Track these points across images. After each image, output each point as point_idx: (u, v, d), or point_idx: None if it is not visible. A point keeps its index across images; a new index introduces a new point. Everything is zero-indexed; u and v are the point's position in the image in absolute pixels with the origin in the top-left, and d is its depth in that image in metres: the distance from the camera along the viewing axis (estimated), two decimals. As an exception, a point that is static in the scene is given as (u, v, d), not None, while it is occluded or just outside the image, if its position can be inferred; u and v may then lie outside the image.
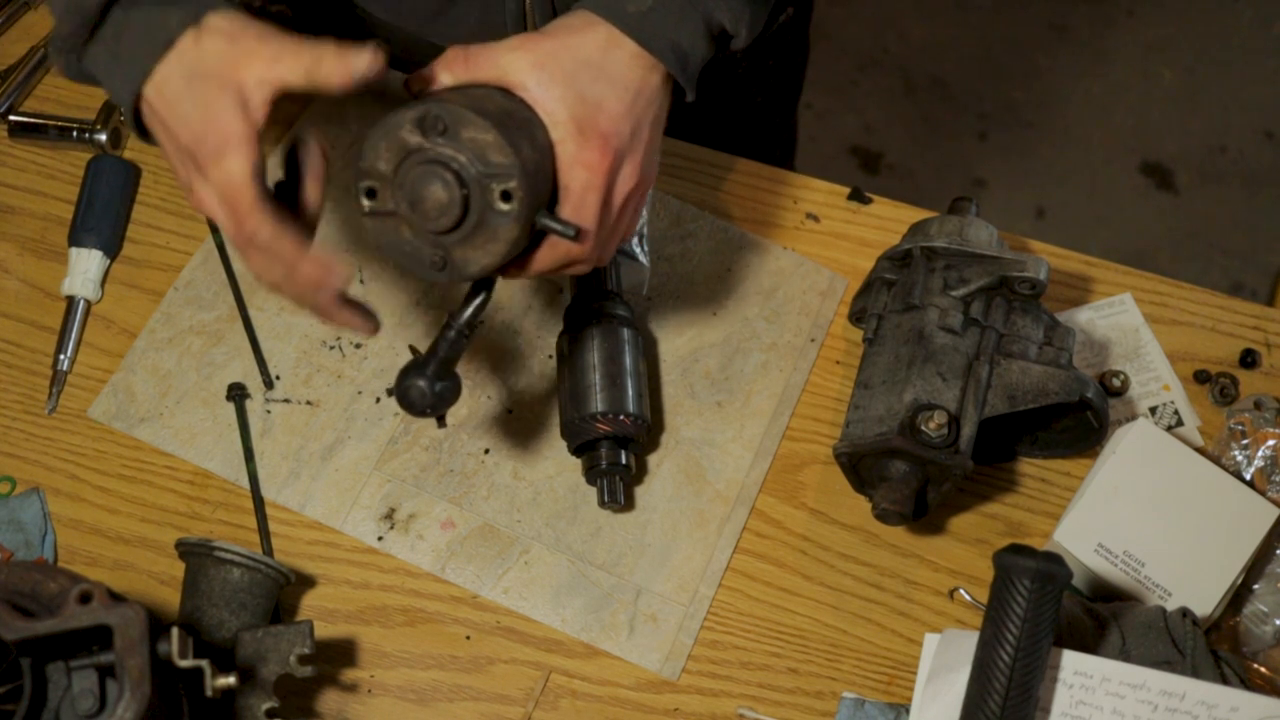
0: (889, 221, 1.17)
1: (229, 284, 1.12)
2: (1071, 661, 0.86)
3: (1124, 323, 1.12)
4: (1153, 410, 1.09)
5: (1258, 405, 1.07)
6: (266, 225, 0.76)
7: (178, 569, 0.97)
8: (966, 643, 0.86)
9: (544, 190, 0.80)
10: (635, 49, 0.82)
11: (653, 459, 1.06)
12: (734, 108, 1.30)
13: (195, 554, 0.92)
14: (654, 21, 0.82)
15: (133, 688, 0.71)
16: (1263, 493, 1.02)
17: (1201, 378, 1.10)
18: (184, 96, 0.76)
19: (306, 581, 1.01)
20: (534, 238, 0.81)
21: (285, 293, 0.80)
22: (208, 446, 1.05)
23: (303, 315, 1.11)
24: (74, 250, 1.11)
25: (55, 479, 1.04)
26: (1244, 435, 1.06)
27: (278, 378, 1.08)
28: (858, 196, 1.18)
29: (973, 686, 0.83)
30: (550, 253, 0.82)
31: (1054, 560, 0.81)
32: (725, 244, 1.15)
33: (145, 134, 0.81)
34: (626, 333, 1.04)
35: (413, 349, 0.90)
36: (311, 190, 0.81)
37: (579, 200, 0.80)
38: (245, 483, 1.04)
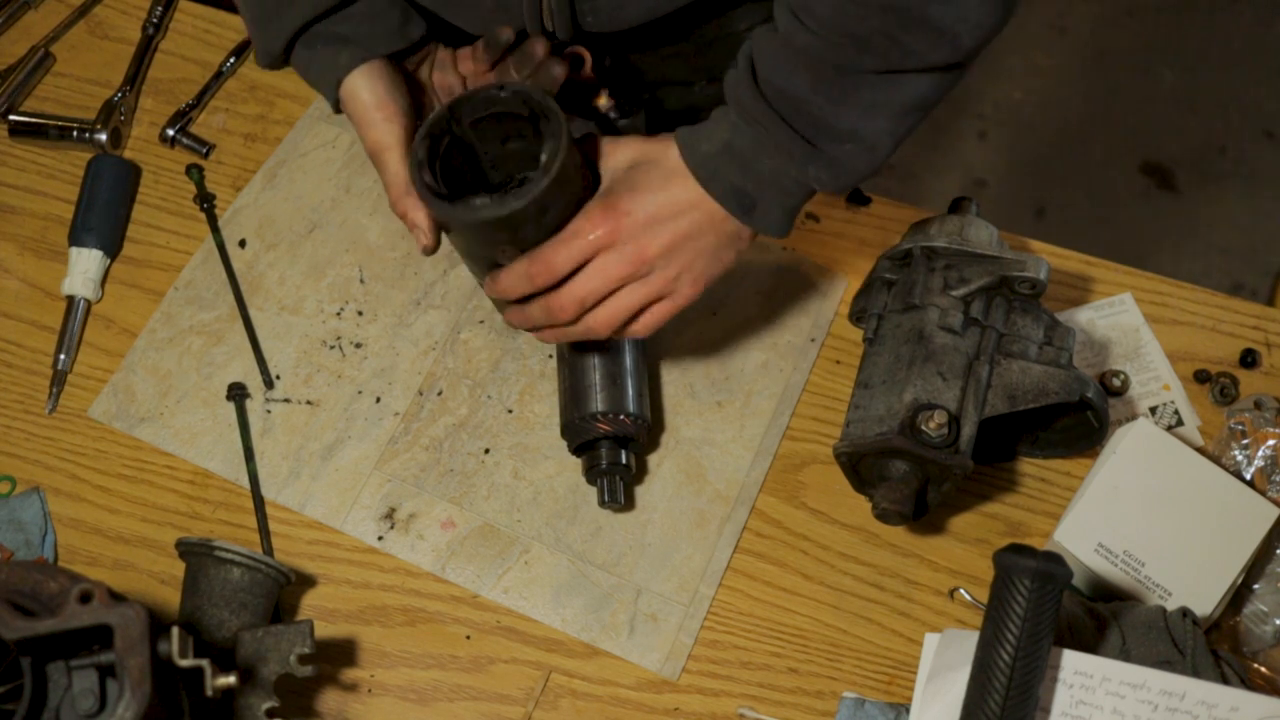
0: (889, 221, 1.17)
1: (229, 284, 1.12)
2: (1071, 661, 0.86)
3: (1124, 323, 1.12)
4: (1153, 410, 1.09)
5: (1258, 405, 1.07)
6: (411, 207, 0.90)
7: (178, 569, 0.97)
8: (967, 642, 0.86)
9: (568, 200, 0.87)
10: (696, 182, 0.87)
11: (653, 459, 1.06)
12: None
13: (195, 553, 0.92)
14: (718, 164, 0.87)
15: (133, 687, 0.71)
16: (1263, 493, 1.02)
17: (1201, 378, 1.10)
18: (349, 104, 0.94)
19: (306, 581, 1.01)
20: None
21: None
22: (208, 446, 1.05)
23: (303, 315, 1.11)
24: (74, 250, 1.11)
25: (55, 479, 1.04)
26: (1244, 435, 1.06)
27: (278, 377, 1.08)
28: (858, 196, 1.18)
29: (973, 686, 0.83)
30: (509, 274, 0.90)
31: (1054, 560, 0.81)
32: (725, 244, 1.15)
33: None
34: (627, 332, 1.04)
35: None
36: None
37: (562, 236, 0.87)
38: (245, 482, 1.04)
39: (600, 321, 0.90)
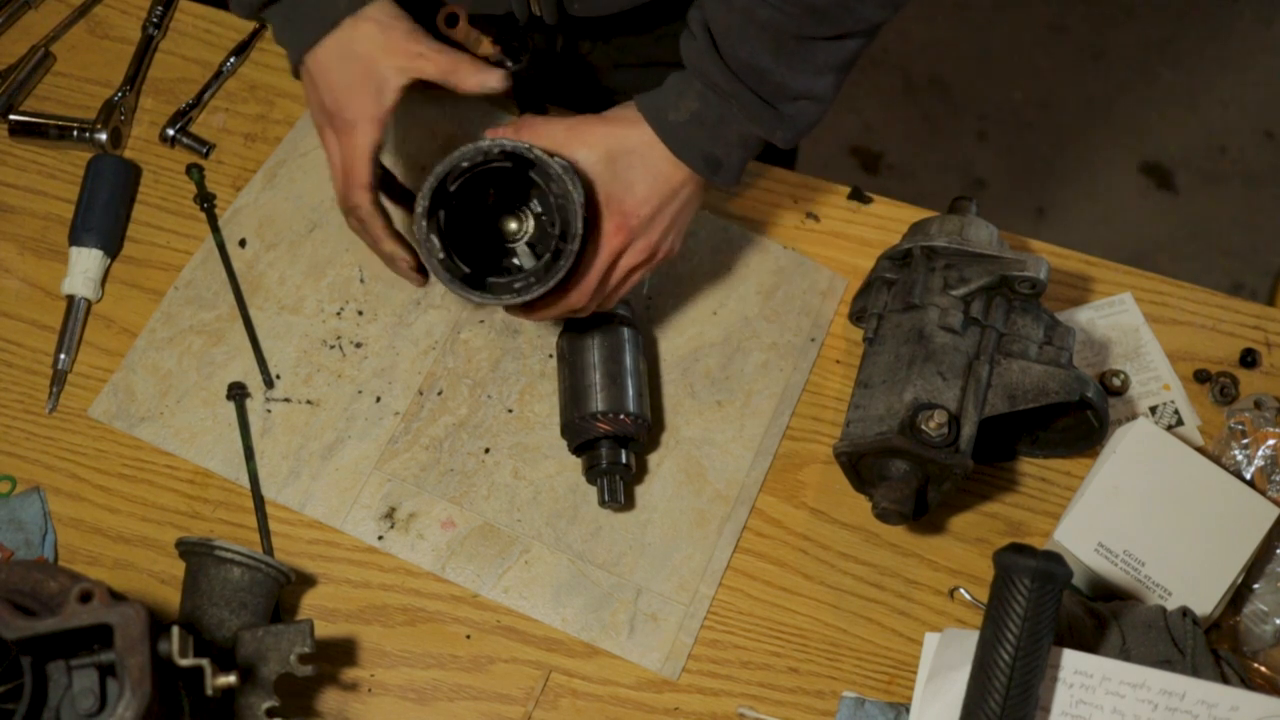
0: (889, 221, 1.17)
1: (229, 283, 1.12)
2: (1071, 660, 0.86)
3: (1124, 322, 1.12)
4: (1153, 410, 1.09)
5: (1258, 405, 1.07)
6: (366, 202, 0.92)
7: (178, 568, 0.97)
8: (967, 642, 0.86)
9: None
10: (669, 152, 0.93)
11: (653, 458, 1.06)
12: None
13: (195, 553, 0.92)
14: (688, 132, 0.93)
15: (133, 687, 0.71)
16: (1263, 492, 1.02)
17: (1201, 377, 1.10)
18: (335, 69, 0.91)
19: (306, 581, 1.01)
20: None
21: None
22: (208, 446, 1.05)
23: (303, 315, 1.11)
24: (74, 249, 1.11)
25: (56, 478, 1.04)
26: (1244, 435, 1.06)
27: (278, 377, 1.08)
28: (858, 196, 1.18)
29: (973, 686, 0.83)
30: (553, 304, 0.95)
31: (1054, 560, 0.81)
32: (725, 244, 1.15)
33: (298, 78, 0.96)
34: (626, 332, 1.04)
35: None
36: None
37: (587, 262, 0.93)
38: (245, 482, 1.04)
39: (610, 303, 0.98)
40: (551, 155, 0.89)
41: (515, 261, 0.96)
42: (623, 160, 0.93)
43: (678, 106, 0.93)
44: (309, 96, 0.96)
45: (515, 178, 0.91)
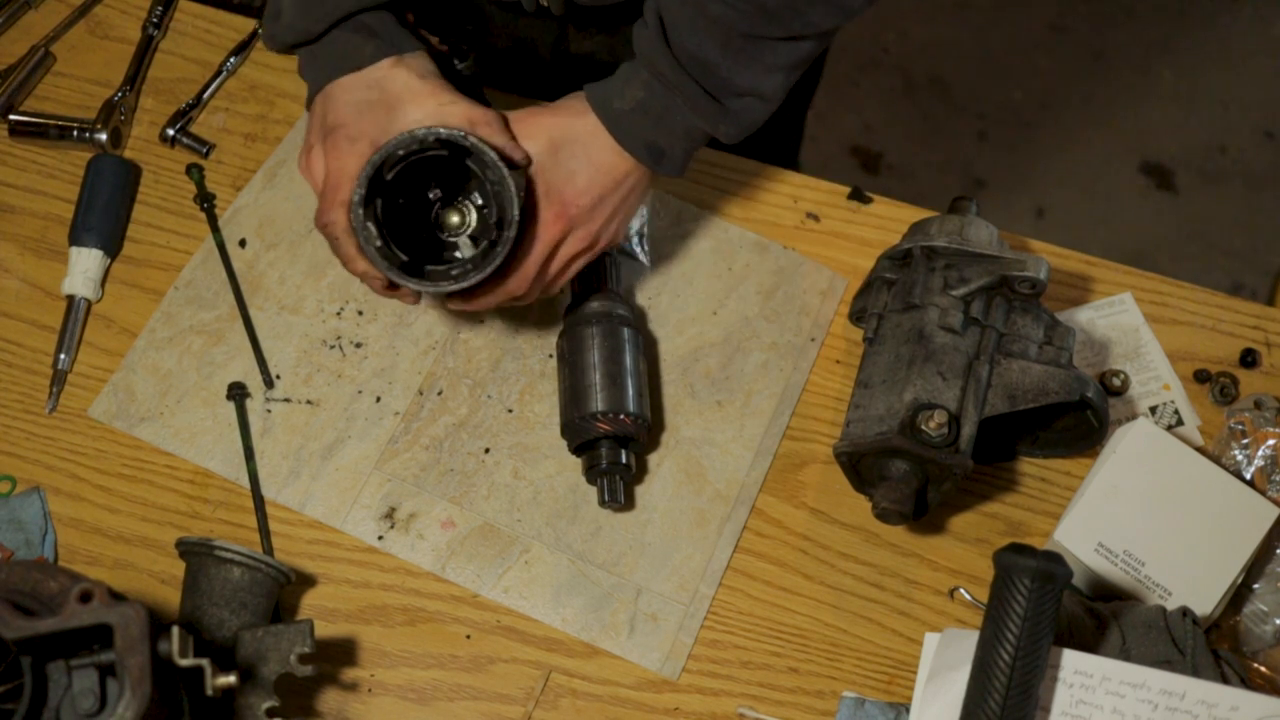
0: (889, 221, 1.17)
1: (229, 283, 1.12)
2: (1071, 660, 0.86)
3: (1124, 322, 1.12)
4: (1153, 410, 1.09)
5: (1258, 405, 1.07)
6: (343, 219, 0.91)
7: (178, 568, 0.97)
8: (966, 642, 0.86)
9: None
10: (613, 141, 0.94)
11: (653, 458, 1.06)
12: None
13: (195, 553, 0.92)
14: (632, 121, 0.94)
15: (133, 687, 0.71)
16: (1263, 492, 1.02)
17: (1201, 377, 1.10)
18: (356, 93, 0.93)
19: (307, 581, 1.01)
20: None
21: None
22: (208, 446, 1.05)
23: (303, 315, 1.11)
24: (74, 249, 1.11)
25: (55, 478, 1.04)
26: (1244, 435, 1.06)
27: (278, 377, 1.08)
28: (858, 196, 1.18)
29: (973, 686, 0.83)
30: (492, 291, 0.95)
31: (1054, 560, 0.81)
32: (725, 244, 1.15)
33: (310, 108, 0.98)
34: (626, 332, 1.04)
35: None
36: None
37: (525, 250, 0.94)
38: (245, 482, 1.04)
39: (552, 290, 0.99)
40: (489, 144, 0.89)
41: (459, 255, 0.96)
42: (566, 149, 0.94)
43: (623, 95, 0.94)
44: (313, 119, 0.96)
45: (455, 168, 0.92)
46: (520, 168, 0.93)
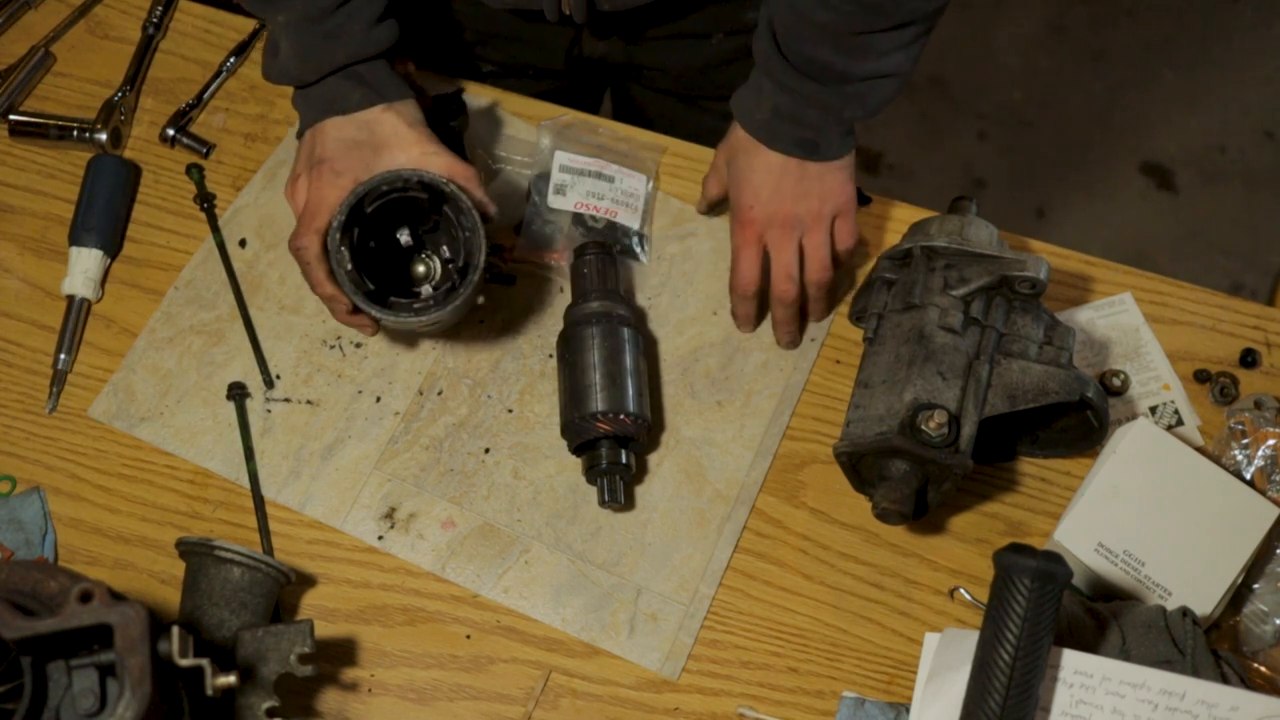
0: (889, 221, 1.17)
1: (229, 283, 1.12)
2: (1071, 661, 0.86)
3: (1124, 322, 1.12)
4: (1153, 410, 1.09)
5: (1258, 405, 1.07)
6: (315, 245, 0.96)
7: (178, 568, 0.97)
8: (967, 642, 0.86)
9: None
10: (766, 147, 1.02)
11: (653, 458, 1.06)
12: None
13: (195, 553, 0.92)
14: (774, 127, 1.01)
15: (133, 687, 0.71)
16: (1263, 492, 1.02)
17: (1201, 377, 1.10)
18: (347, 131, 0.99)
19: (306, 581, 1.01)
20: None
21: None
22: (208, 446, 1.05)
23: (303, 315, 1.11)
24: (74, 249, 1.11)
25: (55, 478, 1.04)
26: (1244, 435, 1.06)
27: (278, 377, 1.08)
28: (858, 196, 1.18)
29: (973, 686, 0.83)
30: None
31: (1054, 560, 0.81)
32: (725, 244, 1.15)
33: (300, 136, 1.04)
34: (626, 332, 1.04)
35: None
36: None
37: (738, 256, 1.05)
38: (245, 482, 1.04)
39: (817, 270, 1.05)
40: (466, 192, 0.97)
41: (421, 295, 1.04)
42: (735, 163, 1.05)
43: (760, 105, 1.02)
44: (302, 149, 1.02)
45: (425, 219, 1.02)
46: (491, 221, 1.01)
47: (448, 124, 1.09)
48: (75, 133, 1.17)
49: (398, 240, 1.02)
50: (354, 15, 0.98)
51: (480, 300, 1.02)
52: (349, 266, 0.95)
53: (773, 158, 1.02)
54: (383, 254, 1.03)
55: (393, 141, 0.99)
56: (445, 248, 1.03)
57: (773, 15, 0.98)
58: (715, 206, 1.14)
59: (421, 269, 1.05)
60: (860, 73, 0.97)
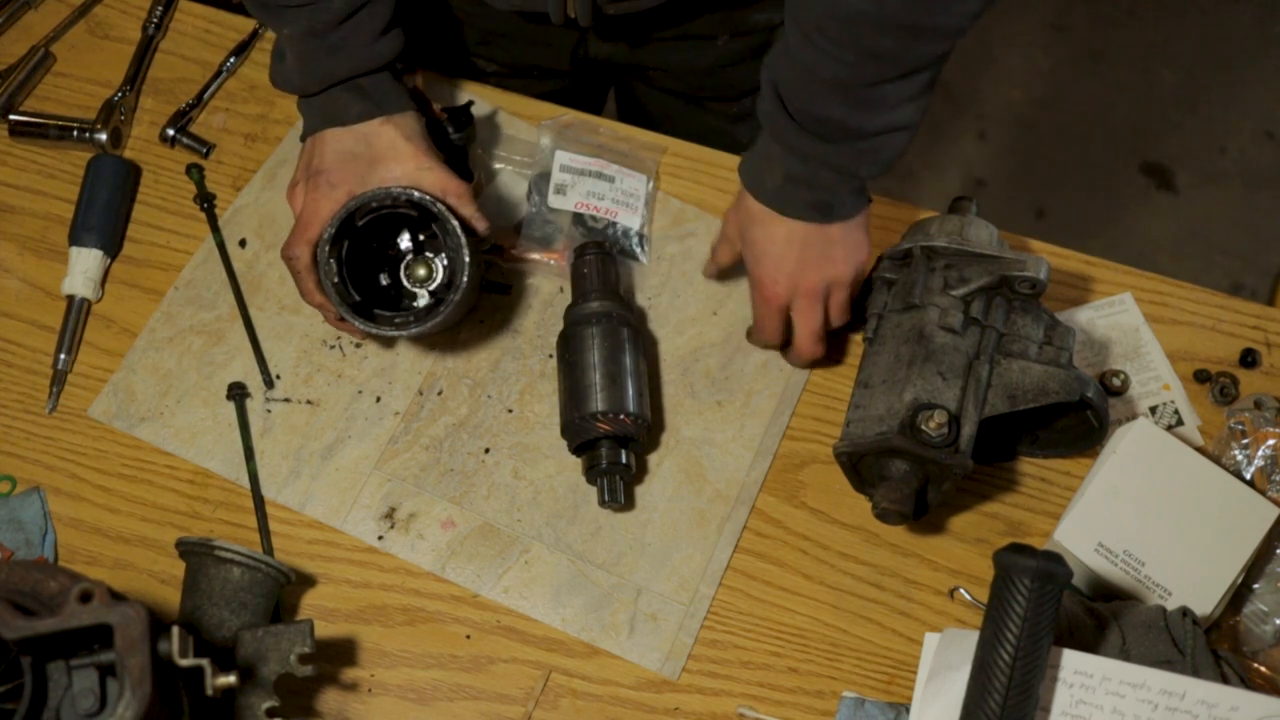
0: (889, 221, 1.17)
1: (229, 283, 1.12)
2: (1071, 661, 0.86)
3: (1124, 322, 1.12)
4: (1153, 410, 1.09)
5: (1258, 405, 1.07)
6: (306, 255, 0.99)
7: (178, 568, 0.97)
8: (967, 642, 0.86)
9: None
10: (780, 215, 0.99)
11: (653, 458, 1.06)
12: (743, 108, 1.31)
13: (195, 553, 0.92)
14: (786, 193, 0.98)
15: (133, 687, 0.71)
16: (1263, 492, 1.02)
17: (1201, 377, 1.10)
18: (345, 142, 1.00)
19: (306, 581, 1.01)
20: None
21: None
22: (208, 446, 1.05)
23: (303, 315, 1.11)
24: (74, 249, 1.11)
25: (55, 478, 1.04)
26: (1244, 435, 1.06)
27: (278, 377, 1.08)
28: (858, 196, 1.18)
29: (973, 686, 0.83)
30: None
31: (1054, 560, 0.81)
32: (725, 243, 1.15)
33: (303, 139, 1.05)
34: (626, 332, 1.04)
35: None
36: None
37: (761, 319, 1.05)
38: (245, 482, 1.04)
39: (839, 321, 1.05)
40: (455, 213, 0.99)
41: (416, 304, 1.05)
42: (749, 235, 1.02)
43: (771, 172, 0.98)
44: (304, 156, 1.03)
45: (427, 227, 1.03)
46: (482, 238, 1.02)
47: (452, 137, 1.10)
48: (75, 133, 1.17)
49: (398, 244, 1.04)
50: (358, 29, 0.99)
51: (462, 317, 1.04)
52: (336, 279, 0.98)
53: (790, 226, 0.99)
54: (382, 256, 1.04)
55: (389, 155, 0.99)
56: (444, 253, 1.05)
57: (776, 78, 0.94)
58: (725, 273, 1.12)
59: (423, 270, 1.05)
60: (872, 128, 0.93)
